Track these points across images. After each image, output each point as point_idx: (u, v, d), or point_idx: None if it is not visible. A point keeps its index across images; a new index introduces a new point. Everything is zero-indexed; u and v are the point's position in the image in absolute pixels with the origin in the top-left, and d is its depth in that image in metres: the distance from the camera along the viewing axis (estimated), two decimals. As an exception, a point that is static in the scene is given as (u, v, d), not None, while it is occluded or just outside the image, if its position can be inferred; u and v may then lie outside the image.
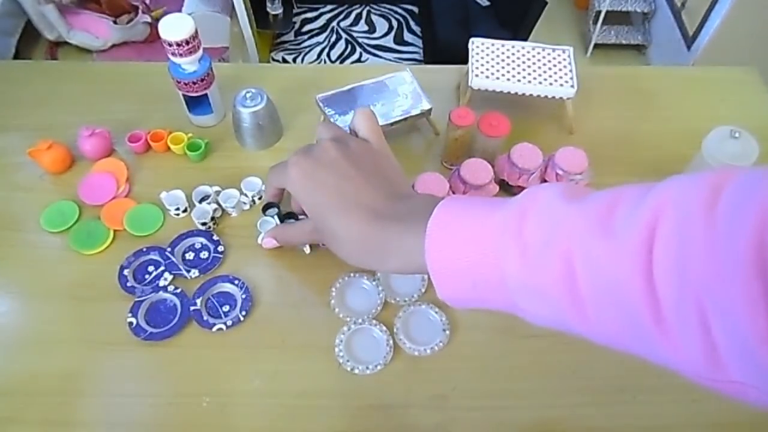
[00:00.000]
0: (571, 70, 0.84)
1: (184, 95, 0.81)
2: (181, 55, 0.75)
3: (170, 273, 0.71)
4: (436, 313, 0.67)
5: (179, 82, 0.79)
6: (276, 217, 0.72)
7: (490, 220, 0.40)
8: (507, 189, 0.79)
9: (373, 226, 0.48)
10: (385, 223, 0.48)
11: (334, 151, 0.54)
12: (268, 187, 0.65)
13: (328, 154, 0.54)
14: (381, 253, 0.48)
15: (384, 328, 0.66)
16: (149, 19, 1.60)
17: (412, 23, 2.47)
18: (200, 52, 0.77)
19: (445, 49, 1.99)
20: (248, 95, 0.80)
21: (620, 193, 0.37)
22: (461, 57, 0.91)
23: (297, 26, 2.46)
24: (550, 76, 0.83)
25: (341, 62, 2.35)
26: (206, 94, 0.81)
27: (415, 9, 2.52)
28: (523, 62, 0.85)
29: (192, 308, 0.68)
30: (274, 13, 2.20)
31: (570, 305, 0.36)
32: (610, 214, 0.35)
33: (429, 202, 0.45)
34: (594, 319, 0.37)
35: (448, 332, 0.66)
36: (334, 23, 2.47)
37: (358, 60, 2.35)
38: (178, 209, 0.76)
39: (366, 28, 2.46)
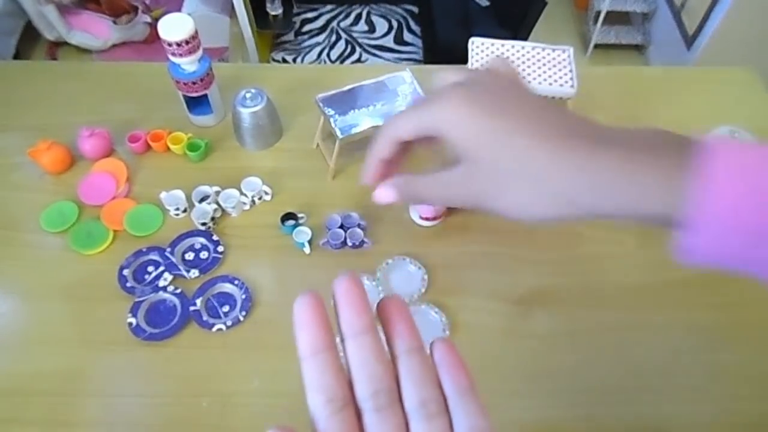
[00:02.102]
0: (571, 70, 0.84)
1: (184, 95, 0.81)
2: (181, 55, 0.75)
3: (170, 273, 0.71)
4: (436, 313, 0.67)
5: (179, 82, 0.79)
6: (292, 228, 0.73)
7: None
8: (507, 189, 0.79)
9: (599, 154, 0.36)
10: (616, 150, 0.36)
11: (497, 79, 0.40)
12: (384, 138, 0.42)
13: (492, 79, 0.40)
14: (599, 196, 0.35)
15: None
16: (149, 19, 1.60)
17: (412, 23, 2.47)
18: (200, 52, 0.77)
19: (445, 49, 1.99)
20: (248, 95, 0.80)
21: None
22: (461, 57, 0.91)
23: (297, 26, 2.46)
24: (550, 76, 0.83)
25: (341, 62, 2.35)
26: (206, 94, 0.81)
27: (415, 9, 2.52)
28: (523, 62, 0.85)
29: (192, 308, 0.68)
30: (274, 13, 2.20)
31: None
32: None
33: (668, 136, 0.37)
34: None
35: (448, 332, 0.66)
36: (334, 23, 2.47)
37: (358, 60, 2.35)
38: (178, 209, 0.76)
39: (366, 28, 2.46)
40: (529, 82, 0.82)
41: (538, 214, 0.37)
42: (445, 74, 0.43)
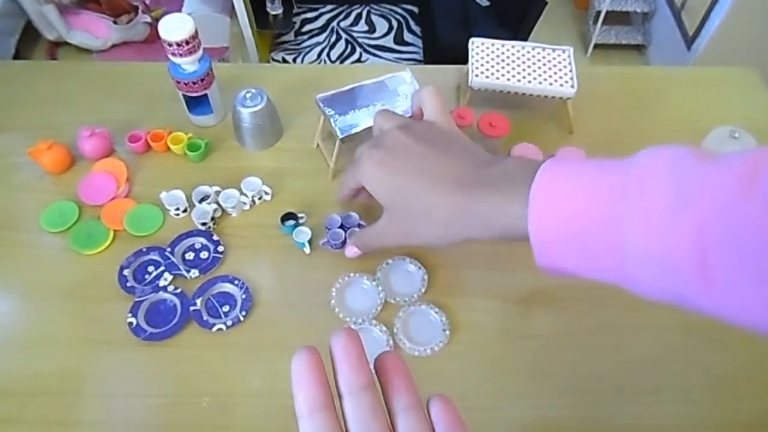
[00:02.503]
0: (571, 70, 0.84)
1: (184, 95, 0.81)
2: (181, 55, 0.75)
3: (170, 273, 0.71)
4: (436, 313, 0.67)
5: (179, 82, 0.79)
6: (292, 228, 0.73)
7: (603, 183, 0.37)
8: (507, 189, 0.79)
9: (465, 197, 0.46)
10: (478, 191, 0.45)
11: (404, 137, 0.52)
12: (344, 188, 0.63)
13: (398, 140, 0.52)
14: (474, 225, 0.46)
15: (384, 328, 0.66)
16: (149, 19, 1.60)
17: (412, 23, 2.47)
18: (200, 52, 0.77)
19: (445, 49, 1.99)
20: (248, 95, 0.80)
21: (761, 155, 0.32)
22: (461, 57, 0.91)
23: (297, 26, 2.45)
24: (550, 76, 0.83)
25: (341, 62, 2.34)
26: (206, 94, 0.81)
27: (415, 9, 2.52)
28: (523, 62, 0.85)
29: (192, 308, 0.68)
30: (274, 13, 2.20)
31: (698, 275, 0.33)
32: (754, 177, 0.31)
33: (526, 166, 0.43)
34: (724, 290, 0.33)
35: (448, 332, 0.66)
36: (334, 23, 2.47)
37: (358, 60, 2.35)
38: (178, 209, 0.76)
39: (366, 28, 2.46)
40: (529, 82, 0.82)
41: (439, 240, 0.51)
42: (381, 118, 0.59)
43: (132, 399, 0.63)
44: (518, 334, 0.67)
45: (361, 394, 0.28)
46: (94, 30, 1.55)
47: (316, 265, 0.73)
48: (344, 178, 0.62)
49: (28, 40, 1.52)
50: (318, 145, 0.84)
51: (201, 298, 0.69)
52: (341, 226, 0.74)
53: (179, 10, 1.56)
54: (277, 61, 2.34)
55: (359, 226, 0.74)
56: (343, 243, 0.73)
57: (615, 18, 2.40)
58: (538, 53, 0.86)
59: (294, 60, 2.34)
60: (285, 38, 2.41)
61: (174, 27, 0.74)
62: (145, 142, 0.82)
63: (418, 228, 0.51)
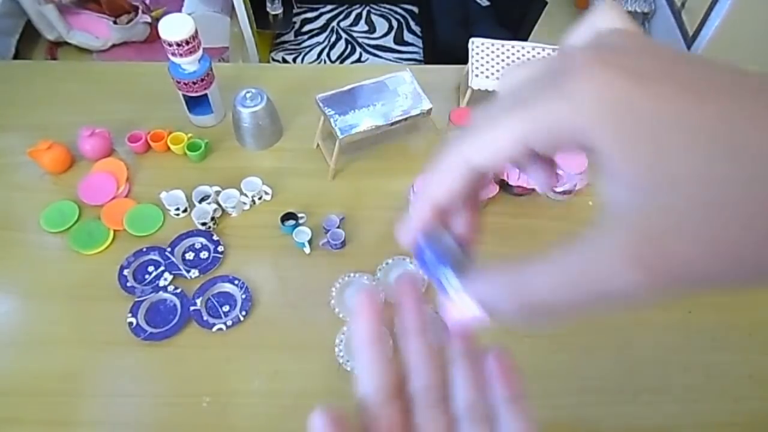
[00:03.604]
0: (571, 70, 0.84)
1: (184, 95, 0.81)
2: (181, 55, 0.75)
3: (170, 273, 0.71)
4: (436, 313, 0.67)
5: (179, 82, 0.79)
6: (294, 229, 0.73)
7: None
8: (507, 189, 0.79)
9: None
10: None
11: (641, 37, 0.22)
12: (451, 167, 0.24)
13: (634, 39, 0.22)
14: None
15: (384, 328, 0.66)
16: (149, 19, 1.60)
17: (412, 23, 2.47)
18: (200, 52, 0.77)
19: (445, 49, 1.99)
20: (248, 95, 0.80)
21: None
22: (461, 57, 0.91)
23: (297, 26, 2.45)
24: (550, 76, 0.83)
25: (341, 62, 2.34)
26: (206, 94, 0.81)
27: (415, 9, 2.52)
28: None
29: (192, 308, 0.68)
30: (274, 13, 2.19)
31: None
32: None
33: None
34: None
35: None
36: (334, 23, 2.47)
37: (358, 60, 2.34)
38: (178, 209, 0.76)
39: (366, 28, 2.46)
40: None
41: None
42: (603, 13, 0.25)
43: (132, 399, 0.63)
44: (518, 334, 0.67)
45: (421, 335, 0.27)
46: (94, 30, 1.55)
47: (316, 265, 0.73)
48: (457, 150, 0.23)
49: (28, 40, 1.52)
50: (318, 145, 0.84)
51: (201, 298, 0.69)
52: (338, 227, 0.74)
53: (179, 10, 1.56)
54: (277, 61, 2.34)
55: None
56: (343, 243, 0.73)
57: (615, 18, 2.40)
58: (538, 53, 0.86)
59: (294, 60, 2.34)
60: (285, 38, 2.41)
61: (174, 27, 0.74)
62: (145, 142, 0.82)
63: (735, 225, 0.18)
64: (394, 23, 2.55)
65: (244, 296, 0.69)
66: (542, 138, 0.20)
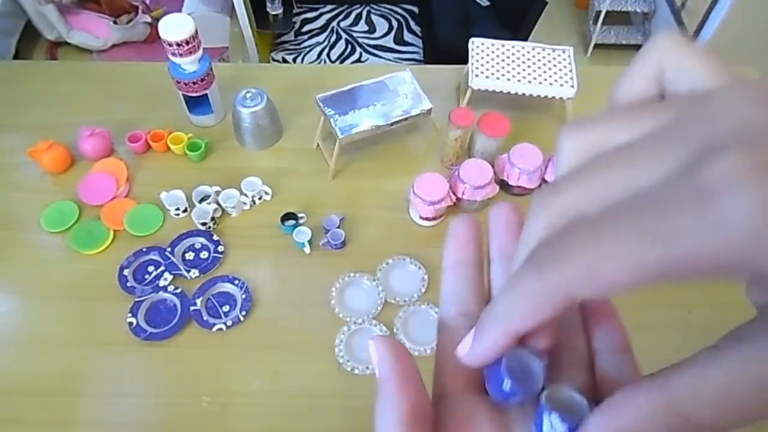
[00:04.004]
0: (571, 70, 0.84)
1: (184, 95, 0.81)
2: (181, 55, 0.75)
3: (170, 273, 0.71)
4: (436, 313, 0.67)
5: (179, 82, 0.79)
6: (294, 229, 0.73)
7: None
8: (507, 189, 0.79)
9: None
10: None
11: None
12: (521, 295, 0.18)
13: None
14: None
15: (384, 328, 0.66)
16: (149, 19, 1.60)
17: (412, 23, 2.47)
18: (200, 52, 0.77)
19: (445, 49, 1.99)
20: (248, 95, 0.80)
21: None
22: (461, 57, 0.91)
23: (297, 26, 2.45)
24: (550, 76, 0.83)
25: (341, 62, 2.34)
26: (206, 94, 0.81)
27: (415, 9, 2.52)
28: (523, 62, 0.85)
29: (192, 308, 0.68)
30: (274, 13, 2.19)
31: None
32: None
33: None
34: None
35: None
36: (334, 23, 2.47)
37: (358, 60, 2.34)
38: (178, 209, 0.76)
39: (366, 28, 2.46)
40: (529, 82, 0.82)
41: None
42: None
43: (132, 399, 0.63)
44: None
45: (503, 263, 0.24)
46: (94, 30, 1.55)
47: (316, 265, 0.73)
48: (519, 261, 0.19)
49: (28, 40, 1.52)
50: (318, 145, 0.84)
51: (201, 298, 0.69)
52: (338, 227, 0.74)
53: (179, 10, 1.56)
54: (277, 61, 2.34)
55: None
56: (343, 243, 0.73)
57: (615, 18, 2.40)
58: (538, 53, 0.86)
59: (294, 60, 2.34)
60: (285, 38, 2.41)
61: (174, 27, 0.74)
62: (145, 142, 0.82)
63: None
64: (394, 23, 2.55)
65: (244, 296, 0.69)
66: (678, 272, 0.15)
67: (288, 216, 0.75)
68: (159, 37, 0.75)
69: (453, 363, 0.21)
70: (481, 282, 0.24)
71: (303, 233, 0.73)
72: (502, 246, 0.24)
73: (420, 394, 0.20)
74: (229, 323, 0.67)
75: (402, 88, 0.80)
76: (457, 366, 0.21)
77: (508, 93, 0.83)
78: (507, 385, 0.20)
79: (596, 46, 2.53)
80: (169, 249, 0.72)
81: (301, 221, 0.75)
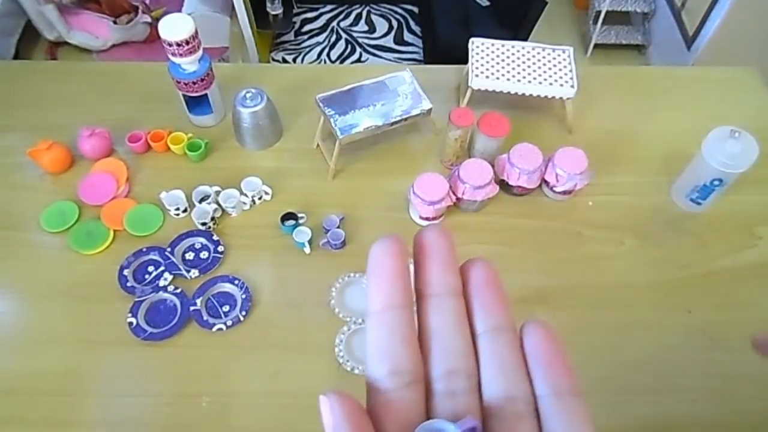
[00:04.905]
0: (571, 70, 0.84)
1: (184, 95, 0.81)
2: (181, 55, 0.75)
3: (170, 273, 0.71)
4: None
5: (179, 82, 0.79)
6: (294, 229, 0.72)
7: None
8: (507, 189, 0.79)
9: None
10: None
11: None
12: None
13: None
14: None
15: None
16: (149, 19, 1.60)
17: (412, 23, 2.47)
18: (200, 52, 0.77)
19: (445, 49, 1.99)
20: (248, 95, 0.80)
21: None
22: (461, 57, 0.91)
23: (297, 26, 2.45)
24: (550, 76, 0.83)
25: (341, 62, 2.34)
26: (206, 94, 0.81)
27: (415, 9, 2.52)
28: (523, 62, 0.85)
29: (192, 308, 0.68)
30: (274, 13, 2.19)
31: None
32: None
33: None
34: None
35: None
36: (334, 23, 2.47)
37: (358, 60, 2.34)
38: (178, 209, 0.76)
39: (366, 28, 2.46)
40: (529, 82, 0.82)
41: None
42: None
43: (132, 399, 0.63)
44: (518, 334, 0.67)
45: (447, 300, 0.21)
46: (94, 30, 1.55)
47: (316, 265, 0.73)
48: None
49: (28, 40, 1.52)
50: (318, 145, 0.84)
51: (201, 298, 0.69)
52: (338, 227, 0.74)
53: (179, 10, 1.56)
54: (277, 61, 2.34)
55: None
56: (343, 243, 0.73)
57: (615, 18, 2.40)
58: (538, 53, 0.86)
59: (294, 60, 2.34)
60: (285, 38, 2.41)
61: (174, 27, 0.74)
62: (145, 142, 0.82)
63: None
64: (394, 23, 2.55)
65: (244, 296, 0.69)
66: None
67: (288, 216, 0.75)
68: (159, 37, 0.75)
69: (390, 430, 0.19)
70: (414, 329, 0.20)
71: (303, 233, 0.73)
72: (432, 281, 0.21)
73: None
74: (229, 323, 0.67)
75: (402, 88, 0.80)
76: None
77: (508, 93, 0.83)
78: None
79: (596, 46, 2.53)
80: (169, 249, 0.72)
81: (301, 221, 0.75)
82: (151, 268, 0.71)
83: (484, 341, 0.21)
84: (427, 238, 0.22)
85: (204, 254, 0.73)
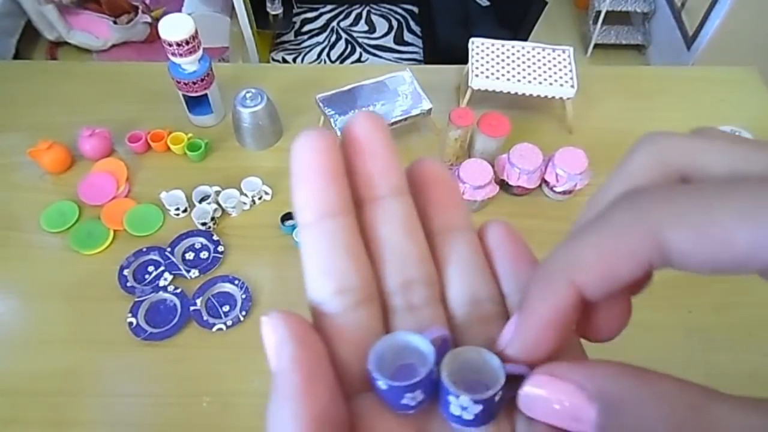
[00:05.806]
0: (571, 70, 0.84)
1: (184, 95, 0.81)
2: (181, 55, 0.75)
3: (170, 273, 0.71)
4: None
5: (179, 82, 0.79)
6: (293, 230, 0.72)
7: None
8: (507, 189, 0.79)
9: None
10: None
11: None
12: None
13: None
14: None
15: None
16: (149, 19, 1.60)
17: (412, 23, 2.47)
18: (200, 52, 0.77)
19: (445, 49, 1.99)
20: (248, 95, 0.80)
21: None
22: (461, 57, 0.91)
23: (297, 26, 2.45)
24: (550, 76, 0.83)
25: (341, 62, 2.34)
26: (206, 94, 0.81)
27: (415, 9, 2.52)
28: (523, 62, 0.85)
29: (192, 308, 0.68)
30: (274, 13, 2.19)
31: None
32: None
33: None
34: None
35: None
36: (334, 23, 2.47)
37: (358, 60, 2.34)
38: (178, 209, 0.76)
39: (366, 28, 2.46)
40: (529, 82, 0.82)
41: None
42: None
43: (132, 399, 0.63)
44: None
45: (393, 201, 0.17)
46: (94, 30, 1.55)
47: (316, 265, 0.73)
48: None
49: (28, 40, 1.52)
50: (318, 145, 0.83)
51: (201, 298, 0.69)
52: None
53: (179, 10, 1.56)
54: (277, 61, 2.34)
55: None
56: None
57: (615, 18, 2.40)
58: (538, 53, 0.86)
59: (294, 60, 2.34)
60: (285, 38, 2.41)
61: (174, 27, 0.74)
62: (145, 142, 0.82)
63: None
64: (394, 23, 2.55)
65: (244, 296, 0.69)
66: None
67: (288, 216, 0.75)
68: (159, 37, 0.75)
69: (344, 357, 0.16)
70: (359, 237, 0.17)
71: (303, 233, 0.73)
72: (374, 181, 0.17)
73: (331, 394, 0.15)
74: (229, 323, 0.67)
75: (402, 88, 0.80)
76: (352, 359, 0.16)
77: (508, 93, 0.83)
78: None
79: (596, 46, 2.53)
80: (169, 249, 0.72)
81: (301, 221, 0.75)
82: (151, 268, 0.71)
83: (440, 243, 0.18)
84: (359, 130, 0.17)
85: (204, 254, 0.73)
